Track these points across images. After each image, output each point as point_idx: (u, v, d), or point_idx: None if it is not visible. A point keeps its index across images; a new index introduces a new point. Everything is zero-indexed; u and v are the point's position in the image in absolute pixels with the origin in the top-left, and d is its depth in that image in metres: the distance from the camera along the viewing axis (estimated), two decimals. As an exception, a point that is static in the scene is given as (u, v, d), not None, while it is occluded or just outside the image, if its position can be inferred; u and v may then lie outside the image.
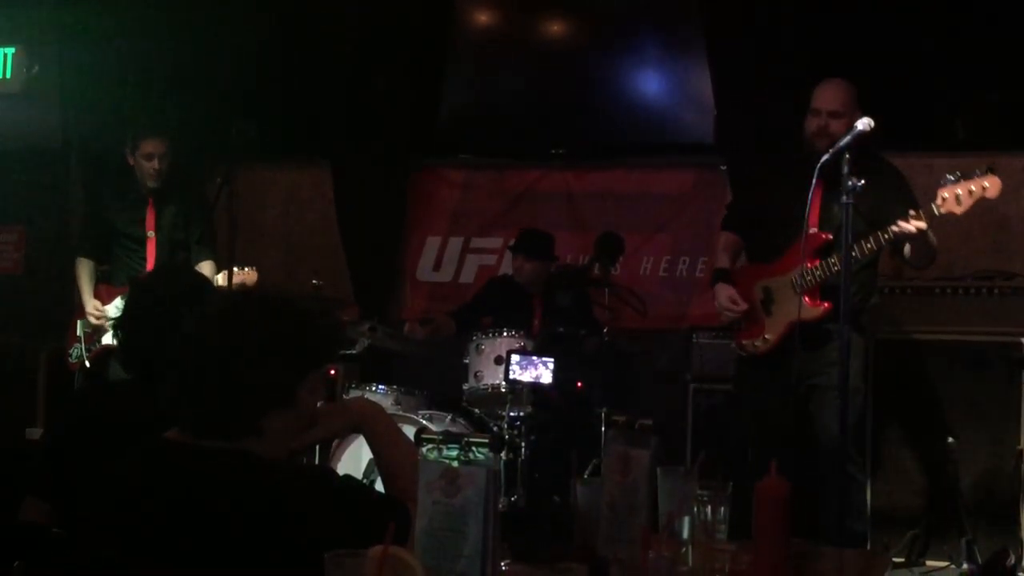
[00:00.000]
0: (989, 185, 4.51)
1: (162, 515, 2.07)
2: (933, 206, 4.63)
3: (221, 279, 5.89)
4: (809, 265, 4.88)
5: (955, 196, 4.57)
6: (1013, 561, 5.29)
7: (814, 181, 4.61)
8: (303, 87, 7.44)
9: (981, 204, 4.60)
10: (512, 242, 6.69)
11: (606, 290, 6.30)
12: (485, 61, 7.61)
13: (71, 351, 6.26)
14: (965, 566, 5.39)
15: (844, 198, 4.36)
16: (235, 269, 5.91)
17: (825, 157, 4.50)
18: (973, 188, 4.51)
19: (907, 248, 4.92)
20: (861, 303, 4.98)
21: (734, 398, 5.60)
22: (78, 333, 6.22)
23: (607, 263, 6.28)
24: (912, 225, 4.63)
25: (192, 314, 2.26)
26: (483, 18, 7.73)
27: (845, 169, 4.38)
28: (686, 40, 7.06)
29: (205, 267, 6.08)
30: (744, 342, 5.22)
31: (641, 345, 6.67)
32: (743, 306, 5.13)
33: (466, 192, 7.57)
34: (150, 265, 6.07)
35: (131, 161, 6.13)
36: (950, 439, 5.54)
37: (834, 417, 4.85)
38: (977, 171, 4.58)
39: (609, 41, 7.31)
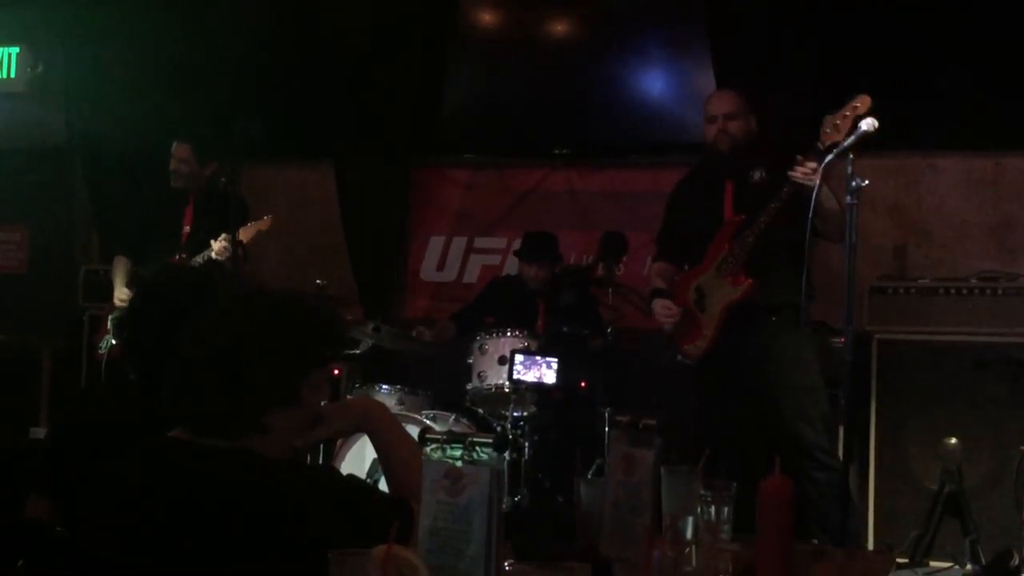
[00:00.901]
0: (860, 104, 4.54)
1: (164, 514, 2.08)
2: (818, 143, 4.66)
3: (215, 243, 5.95)
4: (728, 248, 5.11)
5: (834, 126, 4.61)
6: (1017, 561, 5.29)
7: (726, 180, 5.24)
8: (306, 86, 7.44)
9: (864, 138, 4.53)
10: (517, 247, 6.69)
11: (610, 289, 6.30)
12: (488, 60, 7.60)
13: (101, 343, 6.40)
14: (969, 566, 5.38)
15: (848, 199, 4.37)
16: (251, 223, 6.02)
17: (829, 158, 4.52)
18: (847, 113, 4.55)
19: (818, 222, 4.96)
20: (797, 299, 5.02)
21: (698, 407, 5.63)
22: (108, 326, 6.32)
23: (611, 262, 6.27)
24: (804, 167, 4.69)
25: (196, 311, 2.26)
26: (486, 17, 7.73)
27: (849, 169, 4.39)
28: (689, 39, 7.05)
29: (214, 242, 6.04)
30: (687, 347, 5.34)
31: (644, 344, 6.66)
32: (676, 309, 5.33)
33: (469, 191, 7.57)
34: (183, 257, 6.16)
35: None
36: (953, 439, 5.54)
37: (799, 415, 4.98)
38: (848, 97, 4.60)
39: (612, 40, 7.30)
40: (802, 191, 4.70)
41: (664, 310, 5.39)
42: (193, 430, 2.16)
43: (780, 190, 4.86)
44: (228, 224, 6.02)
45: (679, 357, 5.41)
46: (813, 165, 4.66)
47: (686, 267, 5.54)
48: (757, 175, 5.19)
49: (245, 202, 6.18)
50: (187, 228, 6.26)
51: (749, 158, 5.28)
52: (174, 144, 6.30)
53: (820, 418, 5.11)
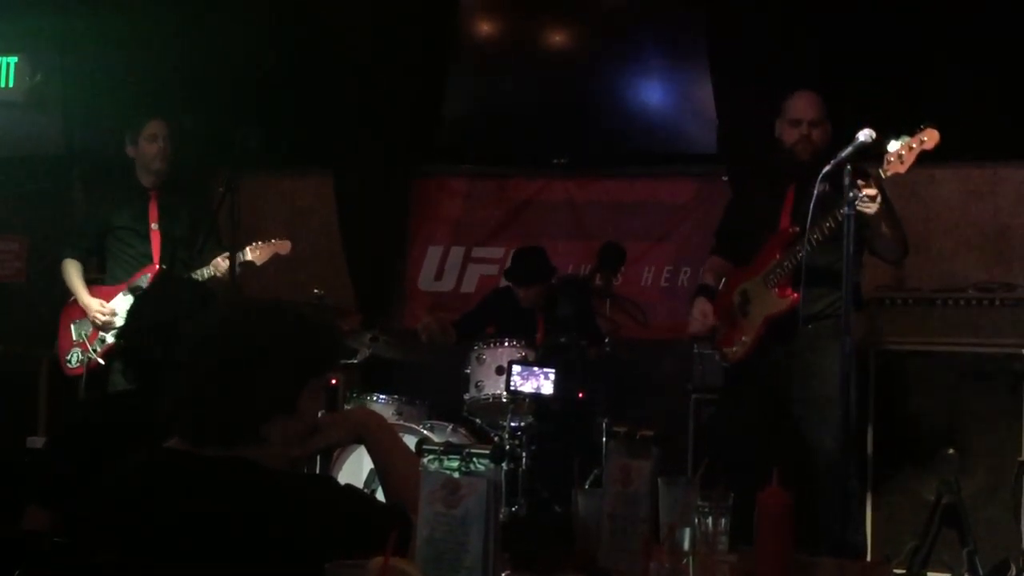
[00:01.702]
0: (928, 139, 4.52)
1: (162, 524, 2.08)
2: (880, 171, 4.62)
3: (221, 262, 5.90)
4: (778, 258, 5.04)
5: (898, 157, 4.58)
6: (1015, 572, 5.29)
7: (790, 185, 5.08)
8: (306, 96, 7.44)
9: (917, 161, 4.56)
10: (508, 267, 6.67)
11: (608, 300, 6.30)
12: (488, 70, 7.61)
13: (68, 357, 6.14)
14: (966, 577, 5.39)
15: (846, 209, 4.37)
16: (273, 241, 6.00)
17: (827, 168, 4.51)
18: (914, 145, 4.53)
19: (877, 245, 4.95)
20: (834, 310, 4.99)
21: (720, 411, 5.63)
22: (74, 337, 6.11)
23: (609, 273, 6.28)
24: (864, 192, 4.57)
25: (194, 321, 2.26)
26: (486, 27, 7.74)
27: (847, 180, 4.39)
28: (688, 50, 7.07)
29: (220, 260, 5.99)
30: (725, 349, 5.31)
31: (642, 355, 6.66)
32: (710, 321, 5.29)
33: (468, 201, 7.57)
34: (156, 258, 6.03)
35: (132, 152, 6.14)
36: (951, 450, 5.54)
37: (823, 428, 4.93)
38: (917, 128, 4.57)
39: (612, 51, 7.32)
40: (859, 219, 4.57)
41: (699, 314, 5.33)
42: (192, 440, 2.16)
43: (837, 209, 4.65)
44: (210, 225, 6.04)
45: (717, 357, 5.39)
46: (872, 192, 4.57)
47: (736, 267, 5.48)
48: (821, 187, 4.75)
49: (212, 201, 6.12)
50: (154, 226, 6.08)
51: (818, 166, 4.89)
52: (148, 122, 6.10)
53: (841, 429, 5.01)
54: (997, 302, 5.78)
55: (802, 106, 5.21)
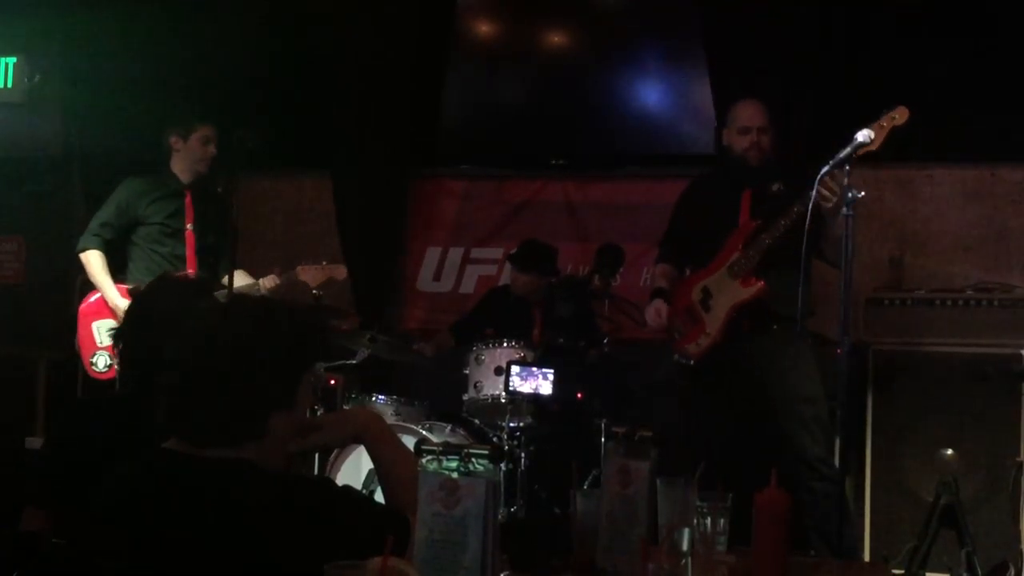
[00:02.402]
0: (898, 116, 4.55)
1: (161, 526, 2.07)
2: (850, 148, 4.61)
3: (267, 282, 5.86)
4: (741, 251, 5.14)
5: (868, 137, 4.58)
6: (1013, 573, 5.30)
7: (744, 190, 5.27)
8: (304, 97, 7.44)
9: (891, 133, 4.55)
10: (513, 252, 6.69)
11: (606, 301, 6.30)
12: (486, 72, 7.61)
13: (93, 360, 5.98)
14: (965, 578, 5.39)
15: (845, 210, 4.38)
16: (323, 263, 5.94)
17: (826, 169, 4.52)
18: (884, 123, 4.54)
19: (826, 246, 4.97)
20: (803, 311, 5.04)
21: (684, 411, 5.63)
22: (98, 340, 5.94)
23: (607, 274, 6.27)
24: (824, 187, 4.60)
25: (189, 319, 2.26)
26: (484, 29, 7.74)
27: (845, 180, 4.40)
28: (686, 51, 7.07)
29: (239, 275, 5.91)
30: (687, 346, 5.34)
31: (641, 356, 6.66)
32: (663, 318, 5.37)
33: (466, 202, 7.57)
34: (190, 258, 5.89)
35: (177, 145, 5.96)
36: (949, 451, 5.54)
37: (798, 426, 4.98)
38: (885, 109, 4.57)
39: (610, 52, 7.32)
40: (816, 212, 4.62)
41: (655, 314, 5.42)
42: (193, 440, 2.15)
43: (799, 198, 4.77)
44: (222, 215, 5.96)
45: (676, 356, 5.40)
46: (834, 185, 4.60)
47: (688, 271, 5.54)
48: (776, 186, 5.19)
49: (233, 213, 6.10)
50: (189, 227, 5.95)
51: (769, 169, 5.31)
52: (202, 125, 5.92)
53: (820, 428, 5.11)
54: (995, 302, 5.78)
55: (750, 114, 5.37)
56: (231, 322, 2.23)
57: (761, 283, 5.10)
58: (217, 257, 6.03)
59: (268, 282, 5.82)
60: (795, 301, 4.90)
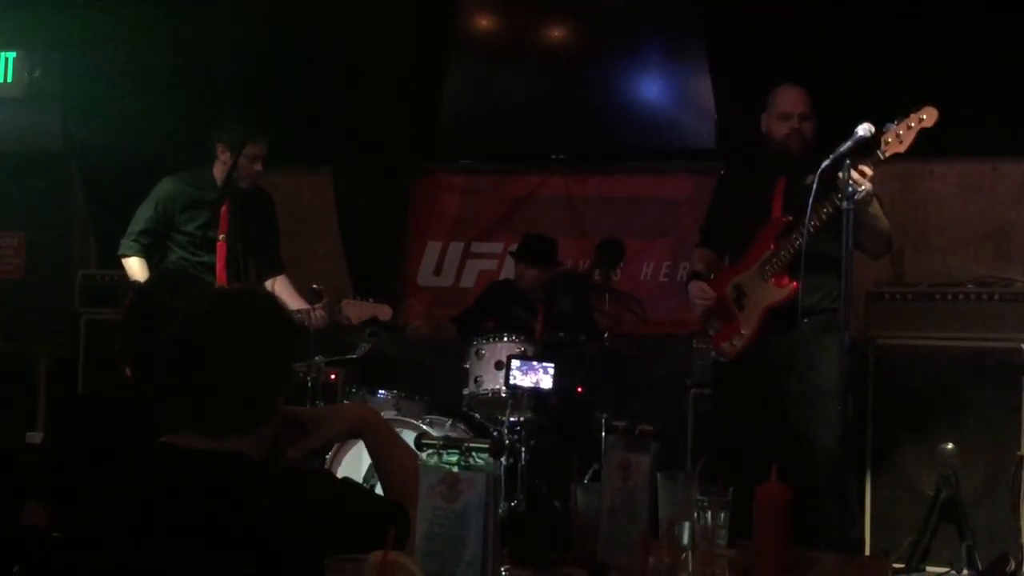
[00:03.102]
0: (926, 116, 4.53)
1: (163, 520, 2.07)
2: (878, 152, 4.62)
3: (287, 295, 5.78)
4: (773, 248, 5.05)
5: (896, 136, 4.58)
6: (1013, 567, 5.30)
7: (780, 179, 5.12)
8: (304, 92, 7.43)
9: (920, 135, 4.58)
10: (515, 247, 6.70)
11: (607, 295, 6.30)
12: (486, 66, 7.61)
13: None
14: (965, 572, 5.39)
15: (844, 204, 4.37)
16: (370, 300, 5.87)
17: (825, 163, 4.51)
18: (912, 124, 4.54)
19: (862, 234, 4.90)
20: (831, 303, 5.00)
21: (719, 406, 5.61)
22: None
23: (608, 268, 6.28)
24: (860, 171, 4.57)
25: (186, 312, 2.25)
26: (484, 23, 7.73)
27: (845, 174, 4.39)
28: (687, 45, 7.06)
29: (279, 281, 5.93)
30: (722, 344, 5.28)
31: (641, 350, 6.66)
32: (712, 294, 5.24)
33: (467, 197, 7.57)
34: (220, 269, 5.72)
35: (222, 156, 5.77)
36: (950, 445, 5.54)
37: (820, 422, 4.93)
38: (913, 108, 4.58)
39: (610, 46, 7.31)
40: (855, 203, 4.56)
41: (699, 292, 5.28)
42: (202, 429, 2.15)
43: (835, 195, 4.68)
44: (263, 226, 5.91)
45: (713, 354, 5.37)
46: (869, 172, 4.58)
47: (726, 259, 5.48)
48: (810, 179, 4.85)
49: (275, 213, 6.04)
50: (221, 237, 5.71)
51: (806, 159, 5.07)
52: (254, 142, 5.69)
53: (840, 424, 5.02)
54: (996, 296, 5.78)
55: (792, 100, 5.23)
56: (223, 314, 2.23)
57: (794, 285, 4.96)
58: (248, 267, 5.89)
59: (317, 318, 5.75)
60: (825, 296, 4.86)
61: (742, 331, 5.19)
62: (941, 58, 6.19)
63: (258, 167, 5.78)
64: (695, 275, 5.44)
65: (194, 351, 2.17)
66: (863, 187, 4.56)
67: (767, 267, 5.08)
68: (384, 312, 5.88)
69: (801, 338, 5.07)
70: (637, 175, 7.25)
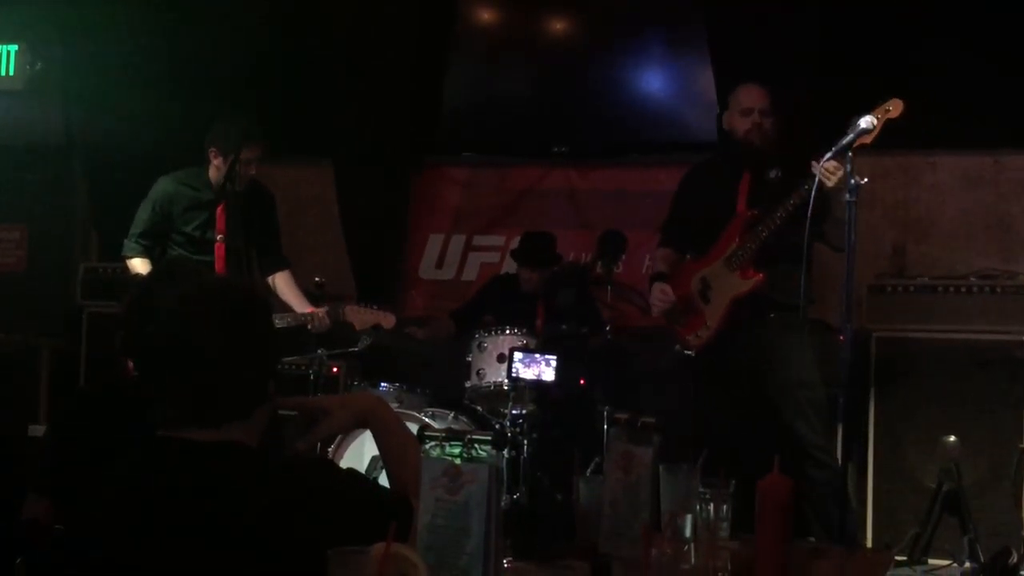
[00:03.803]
0: (892, 108, 4.56)
1: (165, 514, 2.07)
2: (852, 134, 4.61)
3: (291, 294, 5.81)
4: (738, 242, 5.14)
5: (870, 123, 4.58)
6: (1015, 559, 5.29)
7: (743, 174, 5.26)
8: (306, 85, 7.43)
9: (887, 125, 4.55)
10: (514, 248, 6.69)
11: (608, 288, 6.30)
12: (488, 59, 7.60)
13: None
14: (967, 564, 5.39)
15: (848, 196, 4.38)
16: (374, 308, 5.86)
17: (828, 155, 4.52)
18: (879, 115, 4.53)
19: (828, 228, 4.94)
20: (798, 300, 5.03)
21: (687, 399, 5.61)
22: None
23: (610, 261, 6.27)
24: (827, 165, 4.62)
25: (179, 302, 2.25)
26: (486, 16, 7.73)
27: (848, 167, 4.40)
28: (689, 38, 7.05)
29: (281, 277, 5.92)
30: (688, 337, 5.34)
31: (643, 343, 6.66)
32: (671, 297, 5.34)
33: (468, 190, 7.57)
34: (219, 270, 5.70)
35: (217, 163, 5.70)
36: (952, 437, 5.54)
37: (795, 413, 4.99)
38: (879, 101, 4.59)
39: (612, 39, 7.30)
40: (818, 194, 4.64)
41: (660, 294, 5.40)
42: (200, 420, 2.15)
43: (797, 188, 4.82)
44: (263, 224, 5.89)
45: (677, 347, 5.40)
46: (836, 164, 4.62)
47: (688, 256, 5.54)
48: (773, 173, 5.19)
49: (275, 208, 6.03)
50: (219, 237, 5.70)
51: (769, 154, 5.30)
52: (251, 146, 5.63)
53: (817, 416, 5.12)
54: (998, 289, 5.78)
55: (753, 96, 5.38)
56: (213, 302, 2.24)
57: (760, 276, 5.11)
58: (250, 266, 5.85)
59: (320, 322, 5.75)
60: (794, 289, 4.90)
61: (707, 323, 5.27)
62: (943, 51, 6.18)
63: (252, 170, 5.74)
64: (657, 276, 5.54)
65: (186, 345, 2.17)
66: (837, 173, 4.60)
67: (733, 259, 5.17)
68: (388, 320, 5.88)
69: (770, 332, 5.16)
70: (639, 168, 7.25)
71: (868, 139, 4.55)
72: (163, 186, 5.82)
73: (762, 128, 5.30)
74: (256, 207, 5.87)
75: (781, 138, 5.39)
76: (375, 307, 5.92)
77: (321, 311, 5.74)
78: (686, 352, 5.36)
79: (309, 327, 5.73)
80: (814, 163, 4.58)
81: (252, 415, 2.19)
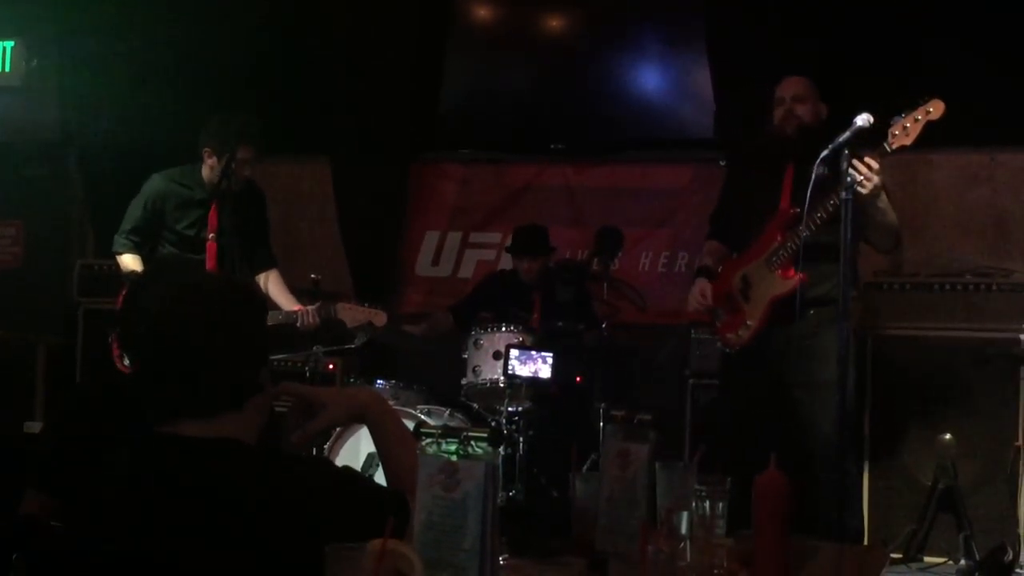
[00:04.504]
0: (933, 109, 4.55)
1: (159, 509, 2.07)
2: (885, 144, 4.63)
3: (280, 293, 5.80)
4: (780, 240, 5.05)
5: (903, 129, 4.59)
6: (1011, 557, 5.30)
7: (788, 168, 5.11)
8: (303, 81, 7.43)
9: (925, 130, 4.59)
10: (509, 243, 6.70)
11: (605, 285, 6.30)
12: (485, 55, 7.60)
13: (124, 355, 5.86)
14: (963, 562, 5.40)
15: (843, 194, 4.37)
16: (365, 305, 5.87)
17: (824, 152, 4.50)
18: (919, 116, 4.55)
19: (870, 229, 4.94)
20: (836, 294, 4.99)
21: (722, 396, 5.61)
22: None
23: (606, 258, 6.28)
24: (867, 164, 4.59)
25: (158, 304, 2.25)
26: (483, 12, 7.73)
27: (844, 164, 4.39)
28: (686, 35, 7.06)
29: (269, 276, 5.91)
30: (728, 335, 5.27)
31: (640, 340, 6.67)
32: (708, 301, 5.27)
33: (465, 186, 7.56)
34: (212, 269, 5.58)
35: (211, 163, 5.67)
36: (948, 435, 5.55)
37: (821, 413, 4.93)
38: (920, 101, 4.59)
39: (609, 36, 7.31)
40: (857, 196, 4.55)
41: (699, 294, 5.31)
42: (194, 413, 2.15)
43: (839, 189, 4.62)
44: (255, 223, 5.86)
45: (718, 344, 5.36)
46: (875, 164, 4.58)
47: (734, 252, 5.48)
48: (820, 170, 4.81)
49: (266, 207, 6.02)
50: (211, 236, 5.65)
51: (814, 146, 4.89)
52: (246, 146, 5.59)
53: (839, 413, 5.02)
54: (994, 287, 5.78)
55: (785, 86, 5.28)
56: (204, 295, 2.24)
57: (801, 276, 4.97)
58: (241, 265, 5.78)
59: (308, 320, 5.76)
60: (835, 286, 4.85)
61: (748, 322, 5.18)
62: (941, 49, 6.19)
63: (246, 171, 5.72)
64: (703, 271, 5.43)
65: (176, 335, 2.17)
66: (872, 180, 4.57)
67: (774, 258, 5.08)
68: (379, 318, 5.88)
69: (805, 329, 5.07)
70: (636, 165, 7.25)
71: (907, 140, 4.52)
72: (155, 184, 5.81)
73: (794, 115, 5.16)
74: (249, 206, 5.85)
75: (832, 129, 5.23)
76: (367, 305, 5.92)
77: (310, 309, 5.74)
78: (726, 351, 5.31)
79: (298, 325, 5.72)
80: (843, 158, 4.47)
81: (244, 406, 2.18)
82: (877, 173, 4.60)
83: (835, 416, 4.93)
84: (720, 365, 5.52)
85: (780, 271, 5.07)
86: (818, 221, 4.82)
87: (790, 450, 4.96)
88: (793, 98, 5.20)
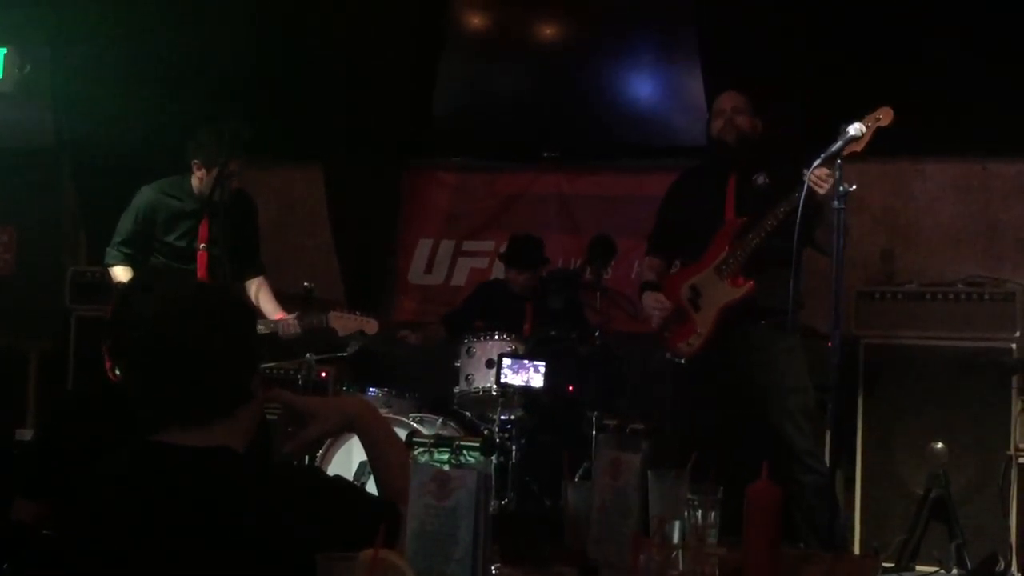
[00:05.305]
0: (882, 116, 4.60)
1: (150, 518, 2.07)
2: (842, 141, 4.63)
3: (265, 300, 5.80)
4: (728, 250, 5.14)
5: (859, 131, 4.61)
6: (1002, 566, 5.31)
7: (729, 178, 5.27)
8: (296, 88, 7.42)
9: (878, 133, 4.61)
10: (502, 251, 6.70)
11: (598, 293, 6.30)
12: (478, 63, 7.60)
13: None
14: (955, 571, 5.41)
15: (836, 203, 4.38)
16: (357, 314, 5.86)
17: (817, 163, 4.53)
18: (868, 123, 4.57)
19: (819, 234, 4.95)
20: (787, 303, 5.03)
21: (675, 406, 5.59)
22: None
23: (599, 266, 6.27)
24: (818, 173, 4.63)
25: (151, 312, 2.25)
26: (477, 20, 7.73)
27: (837, 174, 4.41)
28: (679, 43, 7.06)
29: (256, 283, 5.90)
30: (679, 345, 5.32)
31: (632, 348, 6.66)
32: (667, 303, 5.33)
33: (458, 194, 7.56)
34: (202, 279, 5.61)
35: (200, 174, 5.66)
36: (940, 444, 5.55)
37: (783, 419, 4.99)
38: (870, 110, 4.62)
39: (602, 44, 7.31)
40: (809, 202, 4.64)
41: (655, 302, 5.37)
42: (185, 421, 2.14)
43: (788, 195, 4.80)
44: (244, 231, 5.84)
45: (668, 355, 5.39)
46: (827, 171, 4.62)
47: (676, 264, 5.54)
48: (760, 179, 5.19)
49: (256, 215, 6.01)
50: (202, 247, 5.67)
51: (753, 158, 5.29)
52: (235, 160, 5.55)
53: (806, 421, 5.12)
54: (986, 296, 5.79)
55: (723, 99, 5.43)
56: (194, 303, 2.24)
57: (750, 283, 5.09)
58: (229, 272, 5.85)
59: (289, 329, 5.74)
60: (783, 295, 4.89)
61: (699, 330, 5.25)
62: (932, 59, 6.20)
63: (234, 183, 5.71)
64: (647, 285, 5.51)
65: (165, 342, 2.17)
66: (829, 180, 4.60)
67: (723, 267, 5.16)
68: (370, 327, 5.88)
69: (760, 339, 5.15)
70: (629, 173, 7.25)
71: (858, 147, 4.56)
72: (145, 196, 5.81)
73: (734, 124, 5.30)
74: (238, 215, 5.85)
75: (767, 142, 5.39)
76: (358, 313, 5.92)
77: (291, 317, 5.72)
78: (676, 360, 5.35)
79: (279, 334, 5.71)
80: (805, 171, 4.57)
81: (235, 414, 2.18)
82: (827, 178, 4.63)
83: (798, 422, 5.01)
84: (671, 376, 5.52)
85: (730, 279, 5.15)
86: (768, 229, 4.96)
87: (755, 457, 4.98)
88: (733, 109, 5.33)
